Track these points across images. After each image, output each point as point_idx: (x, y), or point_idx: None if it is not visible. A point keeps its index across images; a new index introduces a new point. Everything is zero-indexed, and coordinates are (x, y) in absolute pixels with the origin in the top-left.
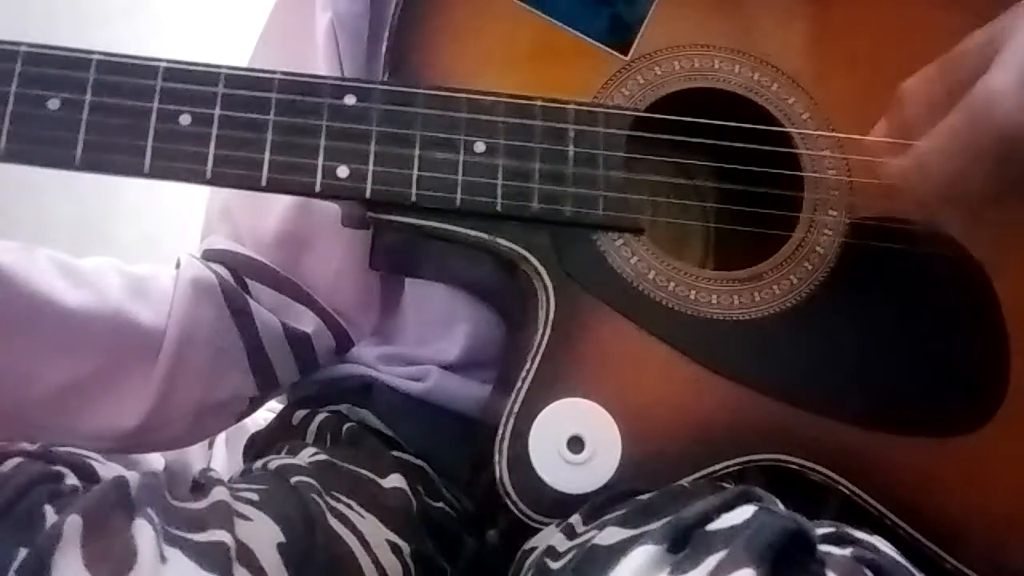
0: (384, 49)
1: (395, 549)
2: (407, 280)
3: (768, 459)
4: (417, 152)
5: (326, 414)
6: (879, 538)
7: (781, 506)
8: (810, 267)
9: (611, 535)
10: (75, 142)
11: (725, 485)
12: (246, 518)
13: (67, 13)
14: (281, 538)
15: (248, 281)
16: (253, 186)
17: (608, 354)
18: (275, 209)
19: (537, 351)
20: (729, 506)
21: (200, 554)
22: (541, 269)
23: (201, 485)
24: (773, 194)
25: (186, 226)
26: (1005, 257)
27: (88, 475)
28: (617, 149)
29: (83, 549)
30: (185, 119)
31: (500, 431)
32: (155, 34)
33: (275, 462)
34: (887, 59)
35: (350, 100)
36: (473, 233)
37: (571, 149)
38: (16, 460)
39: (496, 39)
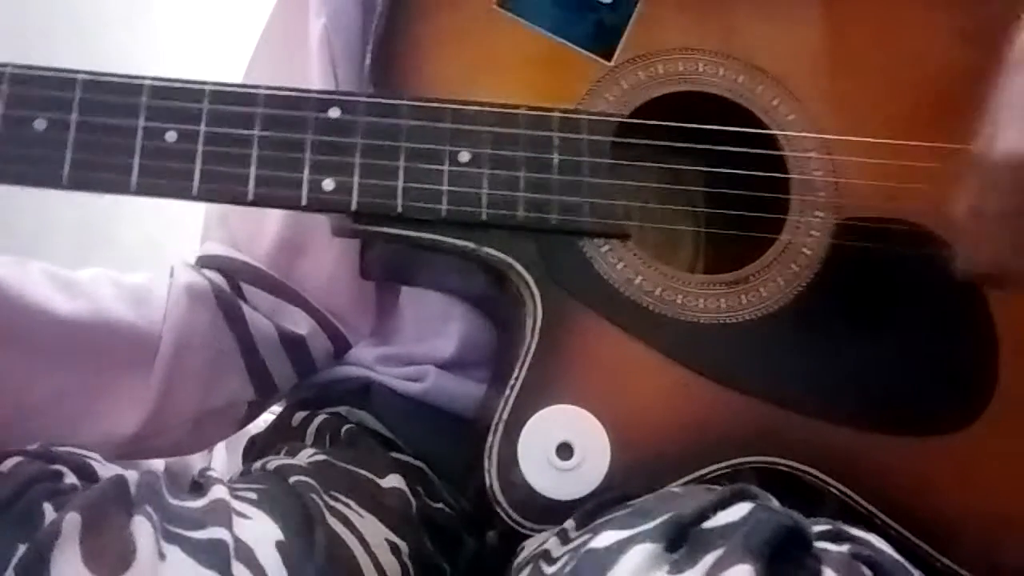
0: (367, 60)
1: (394, 549)
2: None
3: (758, 462)
4: (402, 163)
5: (325, 416)
6: (875, 535)
7: (777, 503)
8: (797, 269)
9: (607, 538)
10: (62, 161)
11: (717, 488)
12: (245, 516)
13: (66, 20)
14: (280, 536)
15: (243, 286)
16: (240, 201)
17: (596, 360)
18: (272, 215)
19: (525, 358)
20: (725, 504)
21: (199, 551)
22: (528, 277)
23: (200, 484)
24: (760, 196)
25: (188, 230)
26: None
27: (88, 474)
28: (602, 155)
29: (82, 546)
30: (171, 136)
31: (489, 438)
32: (154, 41)
33: (274, 462)
34: (872, 59)
35: (335, 113)
36: (460, 243)
37: (556, 157)
38: (16, 459)
39: (480, 48)
